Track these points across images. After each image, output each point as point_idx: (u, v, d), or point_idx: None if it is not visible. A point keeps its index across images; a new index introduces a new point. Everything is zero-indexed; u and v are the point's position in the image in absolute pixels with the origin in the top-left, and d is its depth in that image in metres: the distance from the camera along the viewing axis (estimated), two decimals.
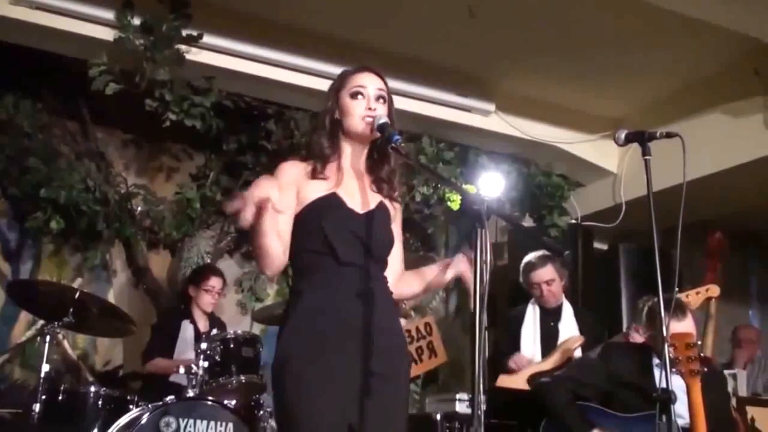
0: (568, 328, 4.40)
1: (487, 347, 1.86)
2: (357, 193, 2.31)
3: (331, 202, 2.26)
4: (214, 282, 4.66)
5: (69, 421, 3.65)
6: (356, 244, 2.24)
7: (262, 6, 4.60)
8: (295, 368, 2.13)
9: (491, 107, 5.40)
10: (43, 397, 3.56)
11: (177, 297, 5.09)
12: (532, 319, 4.46)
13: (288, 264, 2.28)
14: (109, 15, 4.39)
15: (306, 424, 2.09)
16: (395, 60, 4.77)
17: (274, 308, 4.64)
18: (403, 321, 4.18)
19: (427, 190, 5.41)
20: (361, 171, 2.37)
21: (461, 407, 4.74)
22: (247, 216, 2.04)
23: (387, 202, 2.37)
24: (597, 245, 6.21)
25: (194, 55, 4.60)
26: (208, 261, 5.35)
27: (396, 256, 2.41)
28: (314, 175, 2.30)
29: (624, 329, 5.06)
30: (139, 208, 5.30)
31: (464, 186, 5.24)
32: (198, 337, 4.39)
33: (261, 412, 4.10)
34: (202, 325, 4.60)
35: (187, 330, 4.54)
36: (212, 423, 3.62)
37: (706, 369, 2.95)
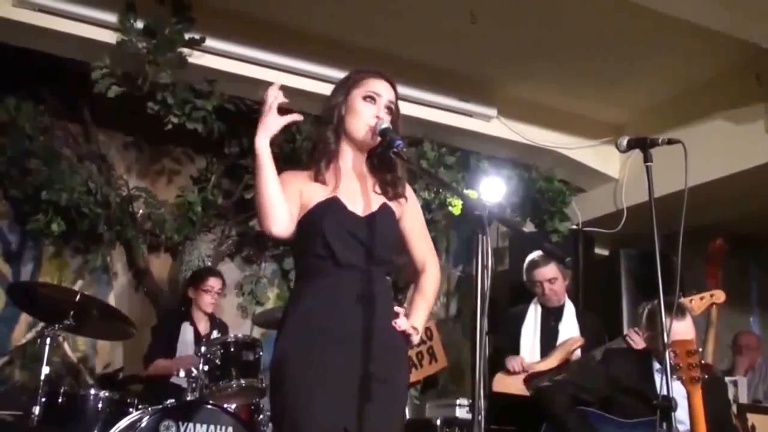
0: (569, 328, 4.40)
1: (488, 352, 1.86)
2: (358, 196, 2.31)
3: (332, 206, 2.26)
4: (213, 282, 4.66)
5: (69, 424, 3.65)
6: (357, 247, 2.23)
7: (264, 9, 4.61)
8: (292, 370, 2.13)
9: (493, 112, 5.40)
10: (43, 399, 3.56)
11: (177, 300, 5.09)
12: (533, 318, 4.46)
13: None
14: (111, 18, 4.39)
15: (302, 426, 2.09)
16: (397, 64, 4.78)
17: (274, 312, 4.64)
18: None
19: (428, 194, 5.41)
20: (362, 173, 2.36)
21: (461, 412, 4.74)
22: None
23: (392, 203, 2.34)
24: (598, 251, 6.20)
25: (196, 58, 4.61)
26: (209, 264, 5.35)
27: (416, 249, 2.41)
28: (316, 177, 2.30)
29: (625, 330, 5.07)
30: (141, 211, 5.30)
31: (465, 191, 5.23)
32: (198, 339, 4.40)
33: (261, 416, 4.10)
34: (203, 327, 4.60)
35: (186, 332, 4.54)
36: (212, 427, 3.62)
37: (706, 376, 2.94)
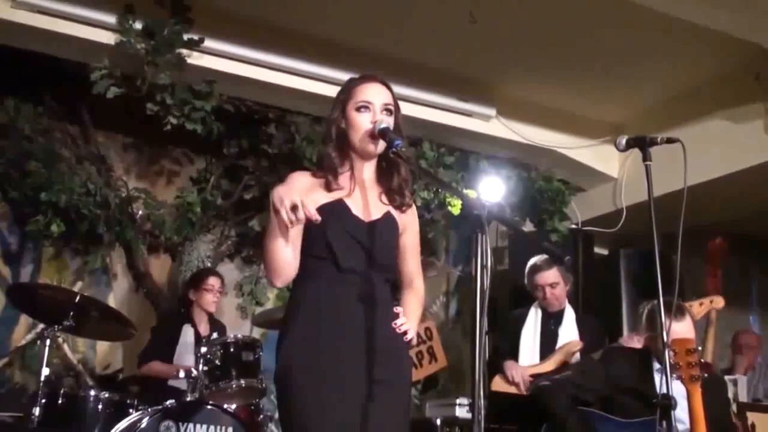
0: (569, 332, 4.40)
1: (487, 352, 1.87)
2: (365, 203, 2.32)
3: (337, 209, 2.26)
4: (213, 281, 4.67)
5: (69, 425, 3.64)
6: (358, 252, 2.24)
7: (263, 10, 4.60)
8: (298, 377, 2.14)
9: (492, 112, 5.40)
10: (43, 400, 3.56)
11: (177, 301, 5.09)
12: (533, 322, 4.46)
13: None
14: (110, 19, 4.39)
15: None
16: (396, 65, 4.78)
17: (274, 312, 4.65)
18: None
19: (427, 194, 5.41)
20: (371, 181, 2.37)
21: (461, 412, 4.73)
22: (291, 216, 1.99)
23: (396, 213, 2.36)
24: (597, 250, 6.20)
25: (195, 59, 4.61)
26: (209, 265, 5.35)
27: (407, 265, 2.43)
28: (328, 187, 2.30)
29: (624, 334, 5.06)
30: (140, 212, 5.29)
31: (465, 191, 5.23)
32: (198, 340, 4.39)
33: (261, 417, 4.10)
34: (203, 328, 4.60)
35: (187, 334, 4.54)
36: (212, 427, 3.62)
37: (706, 375, 2.94)
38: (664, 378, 2.50)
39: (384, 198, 2.36)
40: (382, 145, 2.28)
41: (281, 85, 4.86)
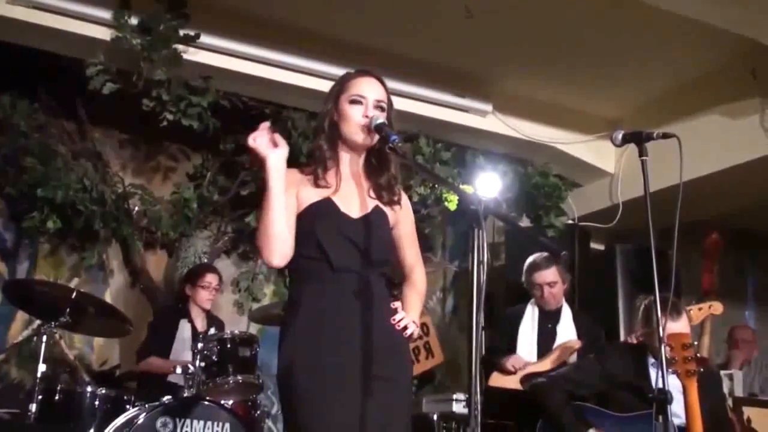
0: (566, 331, 4.39)
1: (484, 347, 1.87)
2: (353, 199, 2.32)
3: (325, 208, 2.27)
4: (210, 278, 4.66)
5: (66, 421, 3.65)
6: (351, 249, 2.24)
7: (259, 6, 4.60)
8: (302, 380, 2.15)
9: (488, 108, 5.40)
10: (40, 397, 3.56)
11: (174, 297, 5.09)
12: (530, 320, 4.45)
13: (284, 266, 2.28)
14: (106, 15, 4.38)
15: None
16: (392, 60, 4.77)
17: (271, 308, 4.65)
18: None
19: (424, 190, 5.41)
20: (359, 176, 2.37)
21: (458, 407, 4.75)
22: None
23: (386, 207, 2.36)
24: (594, 245, 6.21)
25: (191, 54, 4.60)
26: (205, 261, 5.35)
27: (405, 255, 2.44)
28: (315, 181, 2.31)
29: (621, 329, 5.08)
30: (136, 208, 5.29)
31: (461, 186, 5.23)
32: (195, 336, 4.39)
33: (258, 412, 4.10)
34: (200, 324, 4.60)
35: (184, 329, 4.54)
36: (209, 423, 3.62)
37: (702, 369, 2.95)
38: (660, 372, 2.51)
39: (372, 193, 2.36)
40: (372, 138, 2.28)
41: (278, 81, 4.85)
